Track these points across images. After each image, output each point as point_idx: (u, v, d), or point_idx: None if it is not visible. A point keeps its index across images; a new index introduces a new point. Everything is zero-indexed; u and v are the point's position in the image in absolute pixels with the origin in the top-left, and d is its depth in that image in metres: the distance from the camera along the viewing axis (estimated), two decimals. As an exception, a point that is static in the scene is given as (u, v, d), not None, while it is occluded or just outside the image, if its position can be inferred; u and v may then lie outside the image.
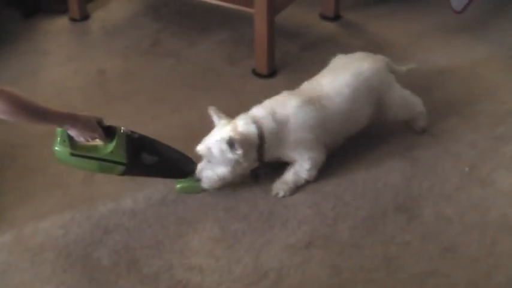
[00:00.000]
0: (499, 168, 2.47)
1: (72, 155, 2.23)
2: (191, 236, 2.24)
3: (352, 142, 2.60)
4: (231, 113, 2.76)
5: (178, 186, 2.39)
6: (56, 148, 2.23)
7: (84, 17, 3.51)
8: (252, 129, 2.30)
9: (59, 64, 3.15)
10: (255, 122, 2.32)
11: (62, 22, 3.49)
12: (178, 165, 2.40)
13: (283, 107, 2.38)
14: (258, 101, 2.81)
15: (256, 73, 3.03)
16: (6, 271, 2.13)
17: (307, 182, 2.42)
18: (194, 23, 3.45)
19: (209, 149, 2.29)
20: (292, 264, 2.13)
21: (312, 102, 2.39)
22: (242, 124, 2.31)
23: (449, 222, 2.26)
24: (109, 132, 2.27)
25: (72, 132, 2.20)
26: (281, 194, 2.39)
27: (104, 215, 2.31)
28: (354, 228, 2.25)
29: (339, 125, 2.45)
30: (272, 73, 3.02)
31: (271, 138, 2.33)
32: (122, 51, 3.25)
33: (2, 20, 3.47)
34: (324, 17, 3.46)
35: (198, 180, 2.35)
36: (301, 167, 2.40)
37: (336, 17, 3.44)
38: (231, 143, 2.24)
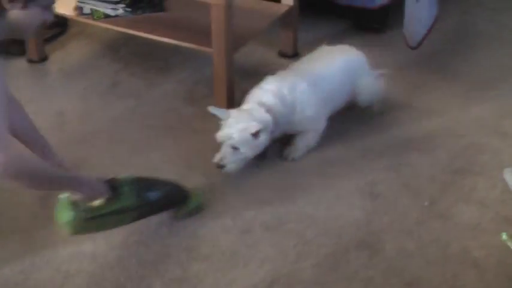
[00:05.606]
0: (458, 202, 2.50)
1: (91, 218, 2.15)
2: (153, 278, 2.21)
3: (312, 178, 2.62)
4: (192, 154, 2.77)
5: (180, 213, 2.42)
6: (70, 219, 2.14)
7: (43, 58, 3.50)
8: (267, 118, 2.58)
9: (17, 107, 3.12)
10: (268, 110, 2.61)
11: (20, 64, 3.47)
12: (176, 192, 2.42)
13: (291, 91, 2.67)
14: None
15: (216, 112, 3.03)
16: (-36, 320, 2.10)
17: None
18: (153, 63, 3.46)
19: (232, 137, 2.53)
20: (256, 304, 2.12)
21: (313, 84, 2.72)
22: (257, 113, 2.59)
23: (410, 257, 2.27)
24: (112, 184, 2.22)
25: (82, 194, 2.13)
26: (295, 156, 2.75)
27: (64, 259, 2.28)
28: (316, 265, 2.25)
29: (331, 101, 2.80)
30: (232, 112, 3.03)
31: (282, 121, 2.65)
32: (80, 92, 3.24)
33: (-41, 63, 3.44)
34: (283, 55, 3.50)
35: (198, 199, 2.48)
36: (309, 136, 2.76)
37: (295, 55, 3.47)
38: (255, 133, 2.53)
